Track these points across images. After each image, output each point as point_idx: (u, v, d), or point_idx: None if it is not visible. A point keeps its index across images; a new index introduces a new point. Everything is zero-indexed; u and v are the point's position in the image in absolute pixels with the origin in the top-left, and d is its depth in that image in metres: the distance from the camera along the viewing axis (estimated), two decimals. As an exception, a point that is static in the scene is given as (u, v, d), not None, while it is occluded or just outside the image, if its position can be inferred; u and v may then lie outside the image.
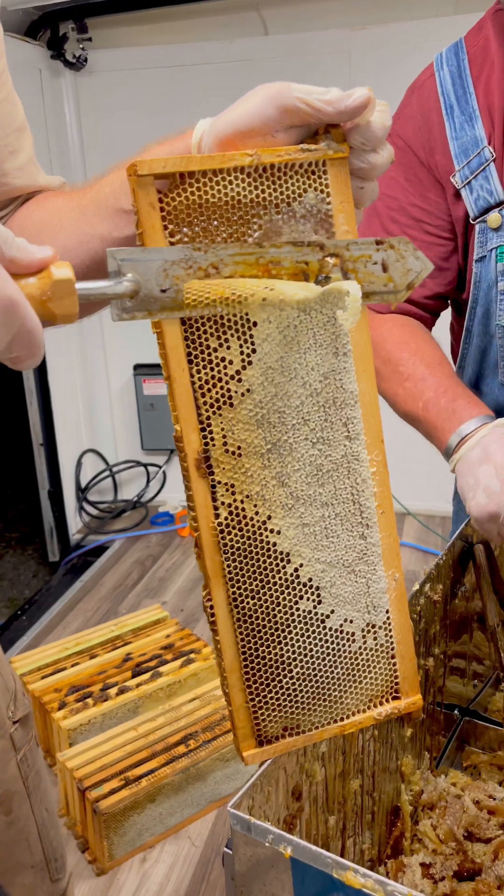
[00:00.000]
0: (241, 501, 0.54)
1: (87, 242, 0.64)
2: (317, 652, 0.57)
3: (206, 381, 0.52)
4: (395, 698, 0.60)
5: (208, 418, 0.53)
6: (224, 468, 0.53)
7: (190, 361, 0.52)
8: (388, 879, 0.41)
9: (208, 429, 0.53)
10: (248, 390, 0.53)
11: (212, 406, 0.53)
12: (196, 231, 0.52)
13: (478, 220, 1.09)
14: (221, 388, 0.52)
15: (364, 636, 0.59)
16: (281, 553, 0.56)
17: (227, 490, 0.54)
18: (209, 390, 0.52)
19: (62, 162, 2.72)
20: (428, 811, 0.90)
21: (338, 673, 0.58)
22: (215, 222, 0.53)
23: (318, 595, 0.57)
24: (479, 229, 1.10)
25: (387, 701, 0.60)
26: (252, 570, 0.55)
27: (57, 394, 2.80)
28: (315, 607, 0.57)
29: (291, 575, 0.56)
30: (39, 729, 1.73)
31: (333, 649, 0.57)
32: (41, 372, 2.73)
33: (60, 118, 2.70)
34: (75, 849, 1.49)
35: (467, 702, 1.09)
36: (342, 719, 0.58)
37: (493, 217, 1.08)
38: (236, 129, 0.54)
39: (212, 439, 0.53)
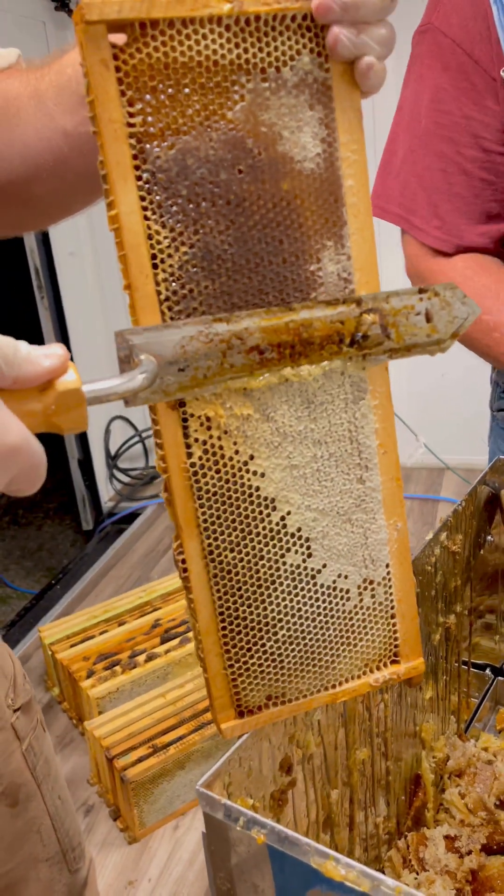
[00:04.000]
0: (219, 438, 0.47)
1: (50, 138, 0.54)
2: (306, 612, 0.50)
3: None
4: (394, 662, 0.53)
5: None
6: (198, 398, 0.46)
7: None
8: (374, 871, 0.35)
9: None
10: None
11: None
12: (161, 100, 0.43)
13: None
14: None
15: (360, 594, 0.52)
16: (265, 499, 0.48)
17: (202, 425, 0.47)
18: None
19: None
20: (455, 779, 0.83)
21: (329, 635, 0.51)
22: (186, 90, 0.43)
23: (308, 547, 0.50)
24: None
25: (384, 666, 0.53)
26: (231, 518, 0.48)
27: (81, 360, 2.75)
28: (304, 561, 0.50)
29: (277, 524, 0.49)
30: (69, 698, 1.72)
31: (325, 609, 0.51)
32: (63, 338, 2.68)
33: (71, 75, 2.61)
34: (107, 817, 1.47)
35: (501, 660, 1.02)
36: (334, 686, 0.51)
37: None
38: None
39: None
